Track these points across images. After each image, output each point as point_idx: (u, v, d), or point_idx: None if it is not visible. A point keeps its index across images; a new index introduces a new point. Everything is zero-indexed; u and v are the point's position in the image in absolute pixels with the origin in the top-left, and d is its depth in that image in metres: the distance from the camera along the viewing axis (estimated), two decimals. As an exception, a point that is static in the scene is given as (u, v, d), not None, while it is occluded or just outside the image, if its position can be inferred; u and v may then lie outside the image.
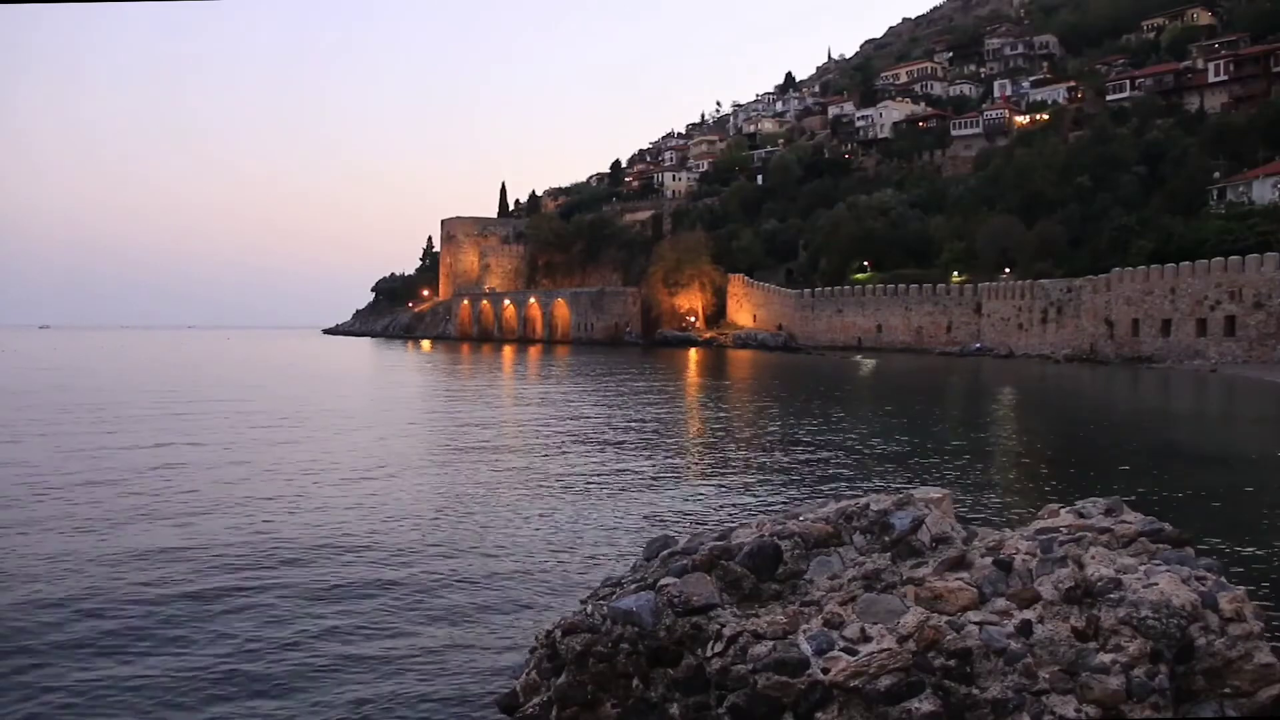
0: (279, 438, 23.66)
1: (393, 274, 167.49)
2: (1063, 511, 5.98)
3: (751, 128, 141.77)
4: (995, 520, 12.70)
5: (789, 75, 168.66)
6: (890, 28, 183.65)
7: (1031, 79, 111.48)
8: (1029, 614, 4.91)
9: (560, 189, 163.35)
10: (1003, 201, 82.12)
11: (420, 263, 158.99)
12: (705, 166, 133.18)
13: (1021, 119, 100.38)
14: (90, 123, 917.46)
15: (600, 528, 13.26)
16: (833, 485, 16.48)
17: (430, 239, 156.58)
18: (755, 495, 15.71)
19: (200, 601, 9.60)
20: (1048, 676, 4.70)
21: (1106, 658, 4.69)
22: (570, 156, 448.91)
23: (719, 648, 5.07)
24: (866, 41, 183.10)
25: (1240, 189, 66.20)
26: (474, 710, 6.97)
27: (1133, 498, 13.31)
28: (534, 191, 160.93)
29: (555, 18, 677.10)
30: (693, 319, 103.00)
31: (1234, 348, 53.74)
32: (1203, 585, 4.95)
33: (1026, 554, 5.28)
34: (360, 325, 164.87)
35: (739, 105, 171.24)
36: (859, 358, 72.10)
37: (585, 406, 32.99)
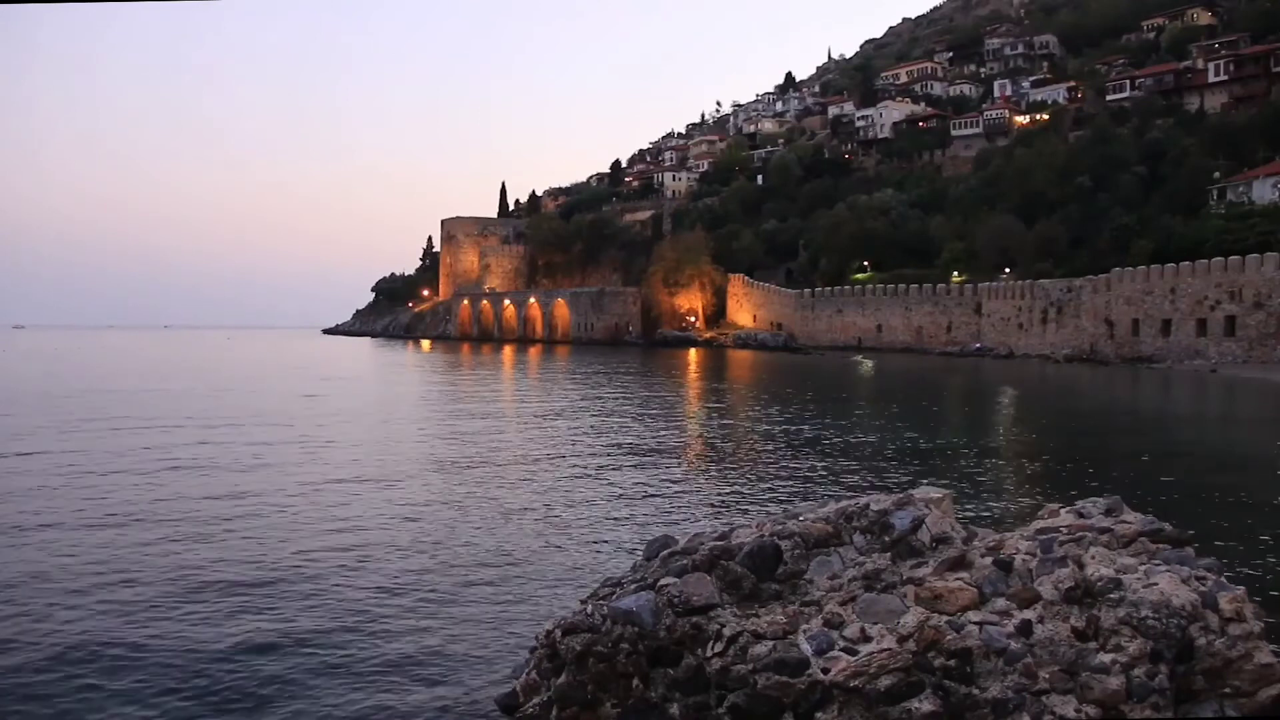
0: (277, 438, 23.66)
1: (393, 274, 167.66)
2: (1063, 511, 5.98)
3: (751, 128, 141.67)
4: (995, 520, 12.70)
5: (789, 75, 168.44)
6: (890, 28, 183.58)
7: (1031, 79, 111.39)
8: (1029, 614, 4.91)
9: (560, 189, 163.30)
10: (1003, 201, 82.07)
11: (420, 263, 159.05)
12: (705, 166, 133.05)
13: (1021, 119, 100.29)
14: (88, 120, 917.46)
15: (600, 528, 13.26)
16: (833, 485, 16.49)
17: (430, 239, 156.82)
18: (755, 495, 15.71)
19: (198, 601, 9.60)
20: (1048, 676, 4.70)
21: (1106, 658, 4.69)
22: (570, 156, 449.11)
23: (719, 648, 5.07)
24: (866, 41, 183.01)
25: (1240, 189, 66.17)
26: (474, 710, 6.97)
27: (1133, 498, 13.31)
28: (534, 191, 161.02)
29: (554, 20, 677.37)
30: (693, 319, 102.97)
31: (1234, 348, 53.73)
32: (1203, 585, 4.95)
33: (1026, 554, 5.28)
34: (360, 325, 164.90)
35: (739, 105, 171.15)
36: (859, 358, 72.09)
37: (585, 407, 32.98)
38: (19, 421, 26.57)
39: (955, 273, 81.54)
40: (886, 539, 5.49)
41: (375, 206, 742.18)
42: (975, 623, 4.88)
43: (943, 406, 35.85)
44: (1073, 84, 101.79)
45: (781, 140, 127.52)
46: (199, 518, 13.74)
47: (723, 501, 15.22)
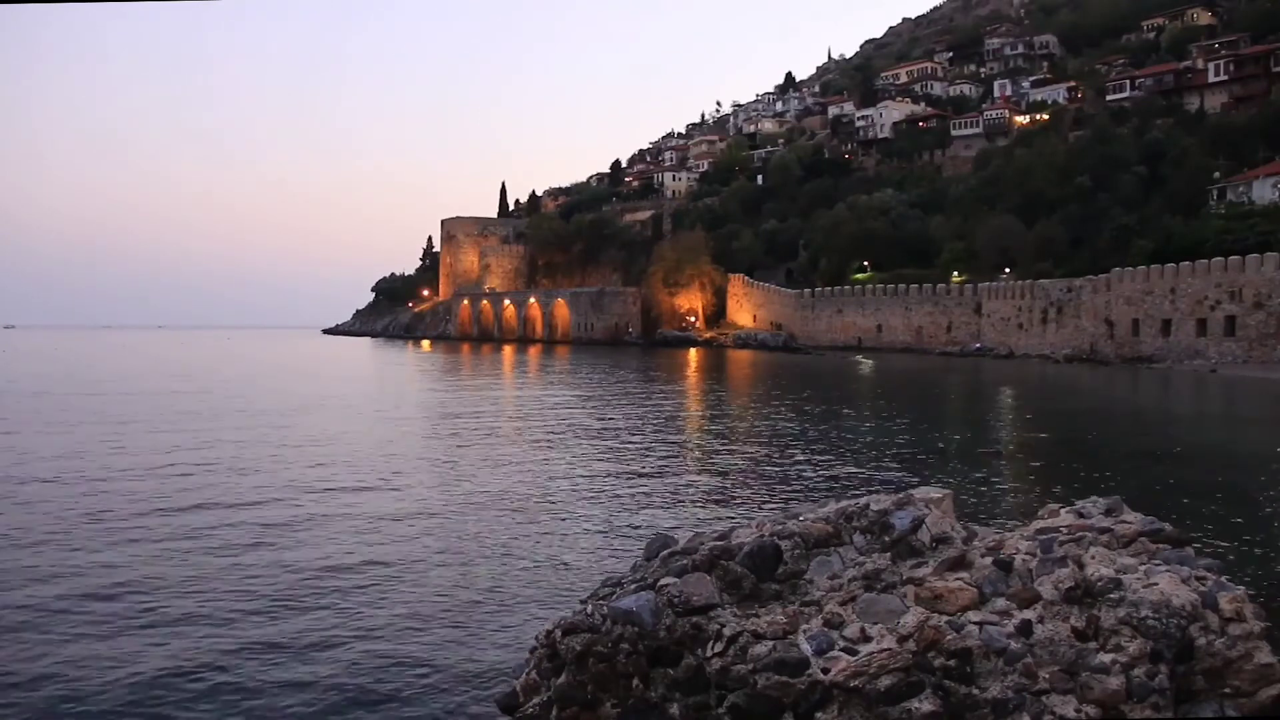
0: (278, 438, 23.65)
1: (393, 274, 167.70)
2: (1063, 511, 5.98)
3: (751, 128, 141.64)
4: (995, 520, 12.70)
5: (789, 75, 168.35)
6: (890, 28, 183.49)
7: (1031, 79, 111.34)
8: (1029, 614, 4.91)
9: (560, 189, 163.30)
10: (1003, 201, 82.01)
11: (420, 263, 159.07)
12: (705, 166, 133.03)
13: (1021, 119, 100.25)
14: (87, 119, 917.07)
15: (601, 527, 13.26)
16: (833, 485, 16.48)
17: (430, 239, 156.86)
18: (755, 495, 15.71)
19: (198, 601, 9.60)
20: (1048, 676, 4.70)
21: (1106, 658, 4.69)
22: (570, 156, 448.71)
23: (719, 648, 5.07)
24: (866, 41, 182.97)
25: (1240, 189, 66.15)
26: (474, 710, 6.97)
27: (1133, 498, 13.31)
28: (534, 191, 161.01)
29: (555, 21, 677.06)
30: (693, 319, 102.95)
31: (1234, 348, 53.70)
32: (1203, 585, 4.95)
33: (1026, 554, 5.28)
34: (360, 325, 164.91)
35: (739, 105, 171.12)
36: (859, 358, 72.09)
37: (585, 407, 32.98)
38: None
39: (955, 273, 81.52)
40: (886, 539, 5.49)
41: (375, 206, 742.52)
42: (975, 623, 4.88)
43: (943, 406, 35.85)
44: (1073, 84, 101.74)
45: (781, 140, 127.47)
46: (197, 524, 13.74)
47: (723, 501, 15.21)
